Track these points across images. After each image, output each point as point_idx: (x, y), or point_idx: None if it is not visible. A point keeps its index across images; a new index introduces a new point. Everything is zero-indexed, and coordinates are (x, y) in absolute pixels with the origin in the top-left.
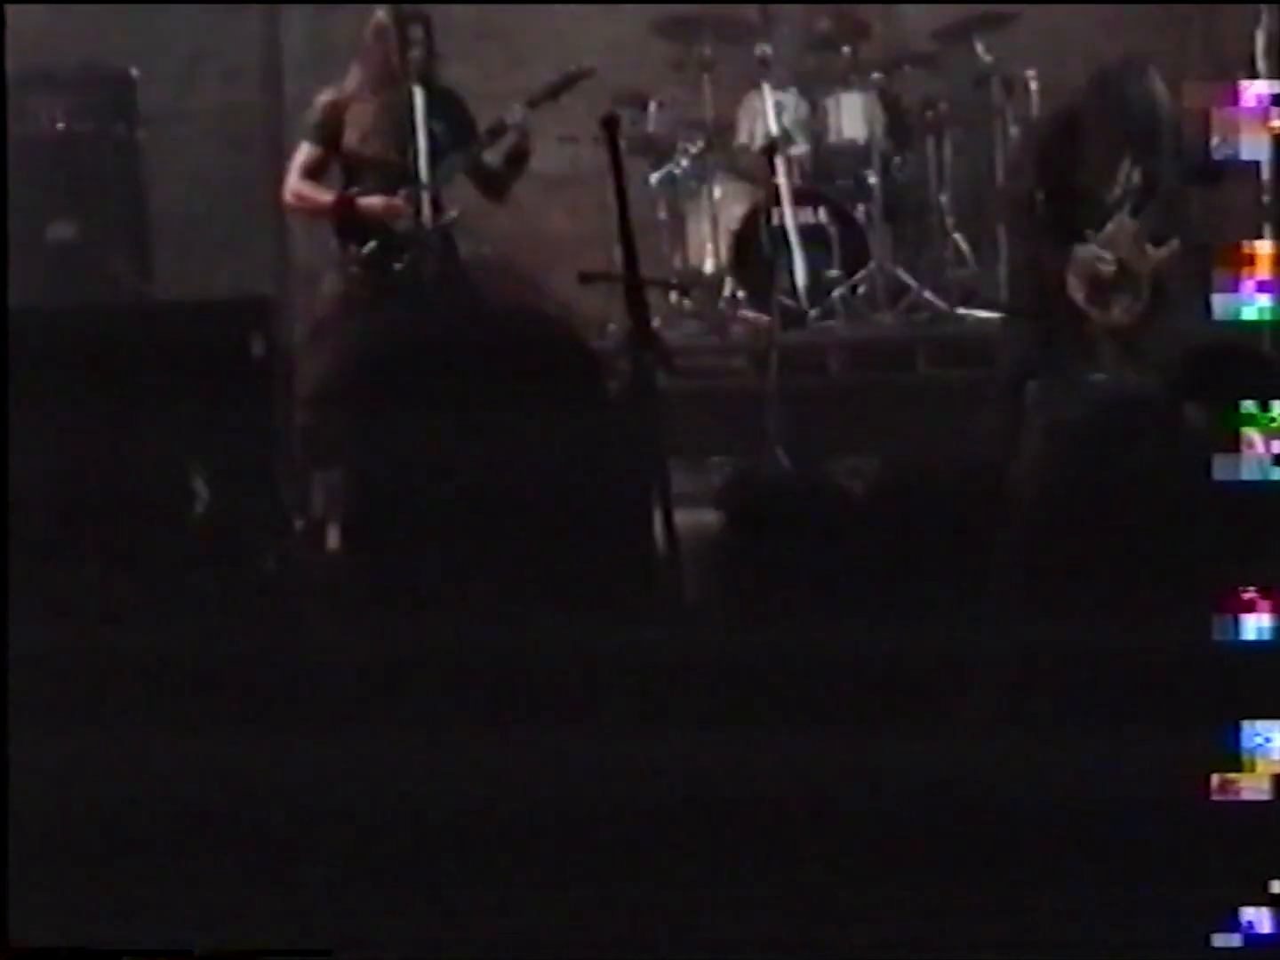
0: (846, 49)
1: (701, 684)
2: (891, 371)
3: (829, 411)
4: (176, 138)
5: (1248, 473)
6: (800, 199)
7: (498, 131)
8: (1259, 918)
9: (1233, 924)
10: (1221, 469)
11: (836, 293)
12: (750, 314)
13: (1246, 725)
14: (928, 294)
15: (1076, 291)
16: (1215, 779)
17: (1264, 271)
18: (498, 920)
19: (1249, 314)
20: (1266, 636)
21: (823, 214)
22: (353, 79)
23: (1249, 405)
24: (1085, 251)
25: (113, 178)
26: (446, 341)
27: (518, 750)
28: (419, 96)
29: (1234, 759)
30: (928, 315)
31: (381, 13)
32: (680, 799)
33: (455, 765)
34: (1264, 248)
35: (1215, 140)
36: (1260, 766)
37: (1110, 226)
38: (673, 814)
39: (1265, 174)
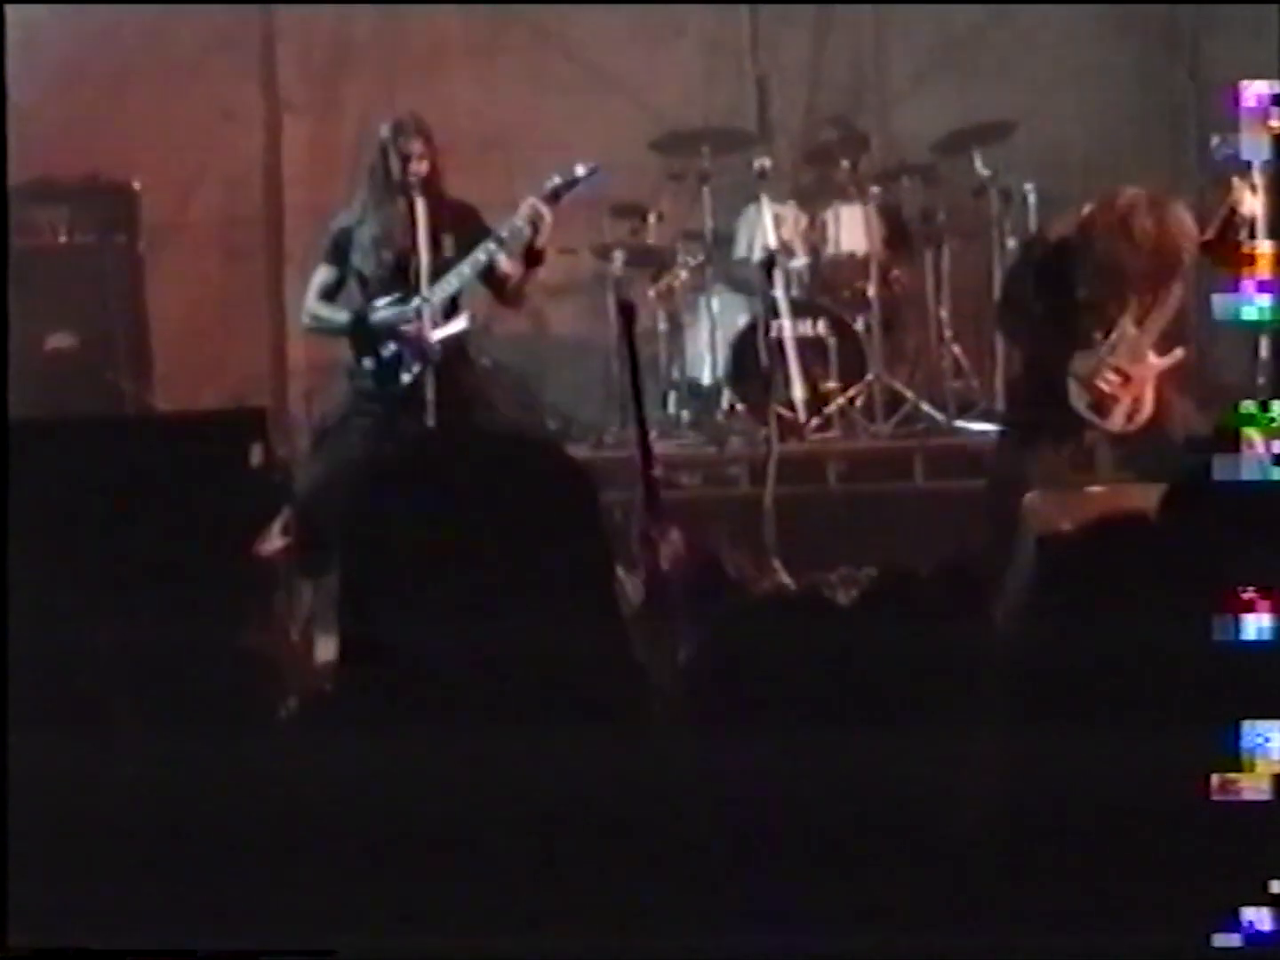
0: (845, 162)
1: (689, 807)
2: (889, 482)
3: (827, 522)
4: (178, 248)
5: (1248, 473)
6: (798, 311)
7: (505, 237)
8: (1259, 918)
9: (1233, 924)
10: (1221, 469)
11: (834, 404)
12: (748, 425)
13: (1246, 725)
14: (925, 405)
15: (1079, 400)
16: (1215, 779)
17: (1264, 271)
18: (505, 922)
19: (1249, 314)
20: (1266, 636)
21: (821, 326)
22: (360, 194)
23: (1249, 405)
24: (1088, 359)
25: (114, 288)
26: (447, 460)
27: (517, 755)
28: (421, 207)
29: (1234, 759)
30: (925, 426)
31: (384, 130)
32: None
33: (461, 768)
34: (1264, 248)
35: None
36: (1260, 766)
37: (1114, 335)
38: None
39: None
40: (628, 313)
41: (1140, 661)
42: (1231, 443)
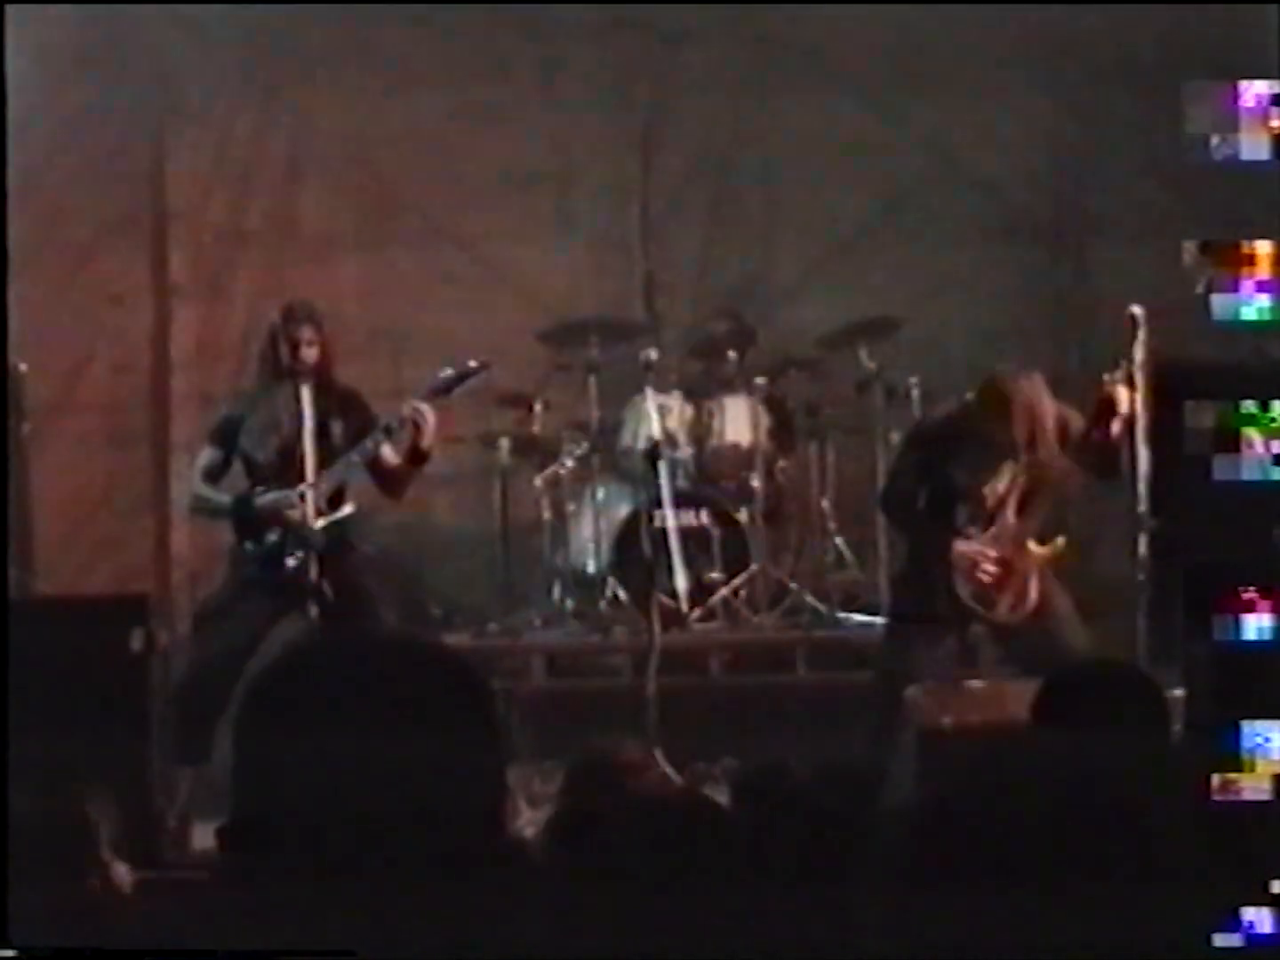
0: (732, 354)
1: None
2: (773, 674)
3: (710, 713)
4: (62, 432)
5: (1248, 473)
6: (683, 501)
7: (393, 428)
8: (1259, 918)
9: (1233, 924)
10: (1221, 469)
11: (718, 595)
12: (631, 615)
13: (1246, 725)
14: (808, 597)
15: (963, 590)
16: (1215, 779)
17: (1264, 271)
18: (523, 922)
19: (1249, 314)
20: (1266, 636)
21: (705, 516)
22: (249, 383)
23: (1249, 405)
24: (970, 550)
25: None
26: (330, 650)
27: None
28: (309, 395)
29: (1234, 759)
30: (808, 618)
31: (274, 316)
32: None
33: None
34: (1264, 248)
35: None
36: (1260, 766)
37: (995, 525)
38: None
39: None
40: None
41: (1024, 854)
42: (1231, 443)
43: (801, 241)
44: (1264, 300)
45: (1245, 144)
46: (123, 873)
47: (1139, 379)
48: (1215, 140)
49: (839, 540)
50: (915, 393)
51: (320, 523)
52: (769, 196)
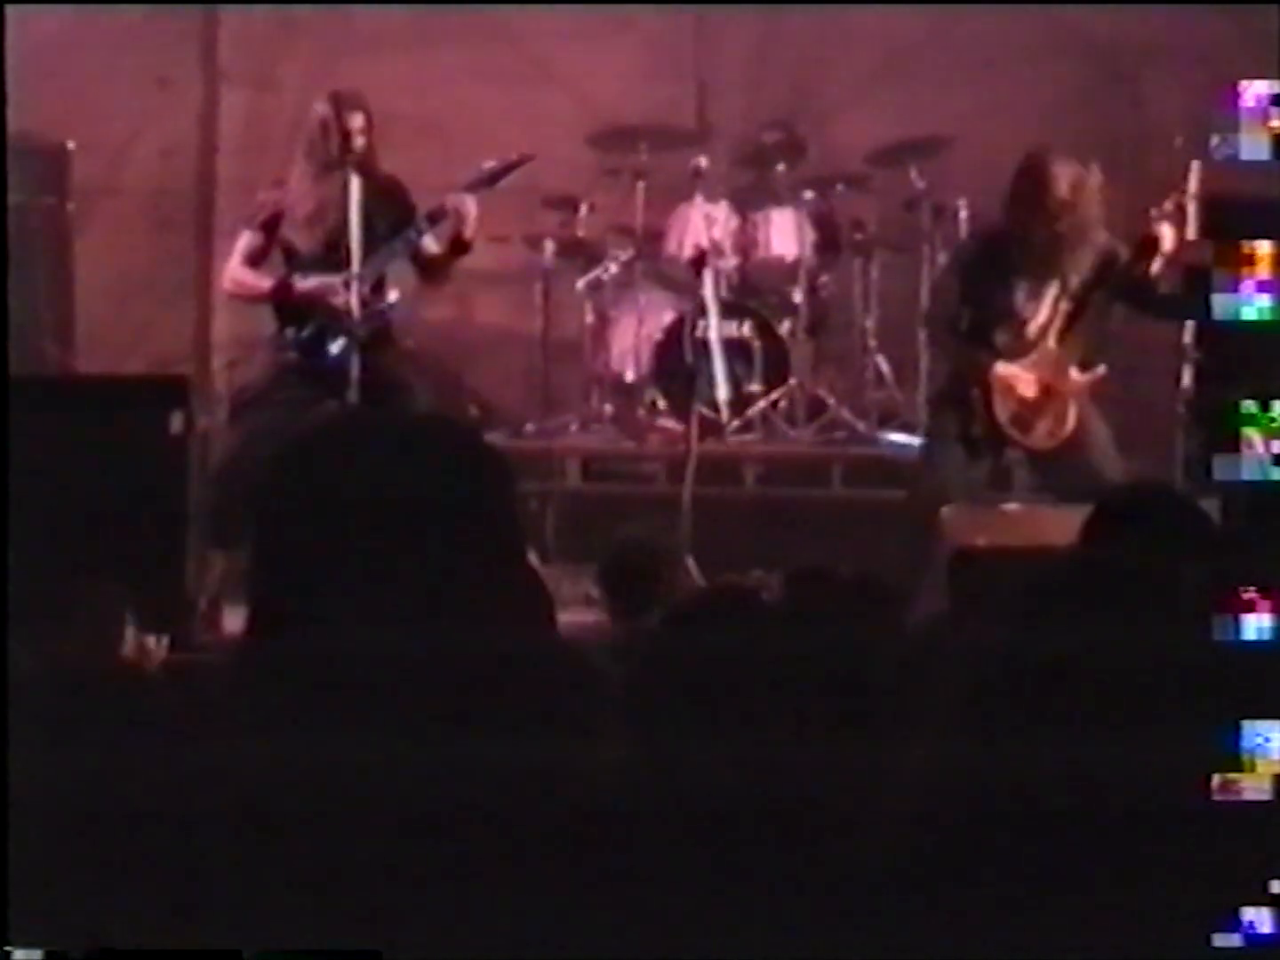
0: (781, 165)
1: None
2: (807, 488)
3: (742, 524)
4: (108, 213)
5: (1248, 473)
6: (725, 311)
7: (437, 216)
8: (1259, 918)
9: (1233, 924)
10: (1221, 469)
11: (756, 407)
12: (669, 423)
13: (1246, 725)
14: (846, 413)
15: (1001, 413)
16: (1215, 779)
17: (1264, 271)
18: (547, 922)
19: (1249, 314)
20: (1266, 636)
21: (747, 328)
22: (296, 168)
23: (1249, 405)
24: (1010, 373)
25: (41, 249)
26: (365, 437)
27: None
28: (356, 184)
29: (1234, 759)
30: (845, 434)
31: (323, 104)
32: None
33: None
34: (1264, 247)
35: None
36: (1260, 766)
37: (1037, 350)
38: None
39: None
40: None
41: (1050, 677)
42: (1231, 442)
43: (855, 55)
44: (1264, 300)
45: (1245, 144)
46: (152, 645)
47: (1189, 209)
48: (1215, 139)
49: (879, 358)
50: (963, 213)
51: (363, 312)
52: (824, 8)
